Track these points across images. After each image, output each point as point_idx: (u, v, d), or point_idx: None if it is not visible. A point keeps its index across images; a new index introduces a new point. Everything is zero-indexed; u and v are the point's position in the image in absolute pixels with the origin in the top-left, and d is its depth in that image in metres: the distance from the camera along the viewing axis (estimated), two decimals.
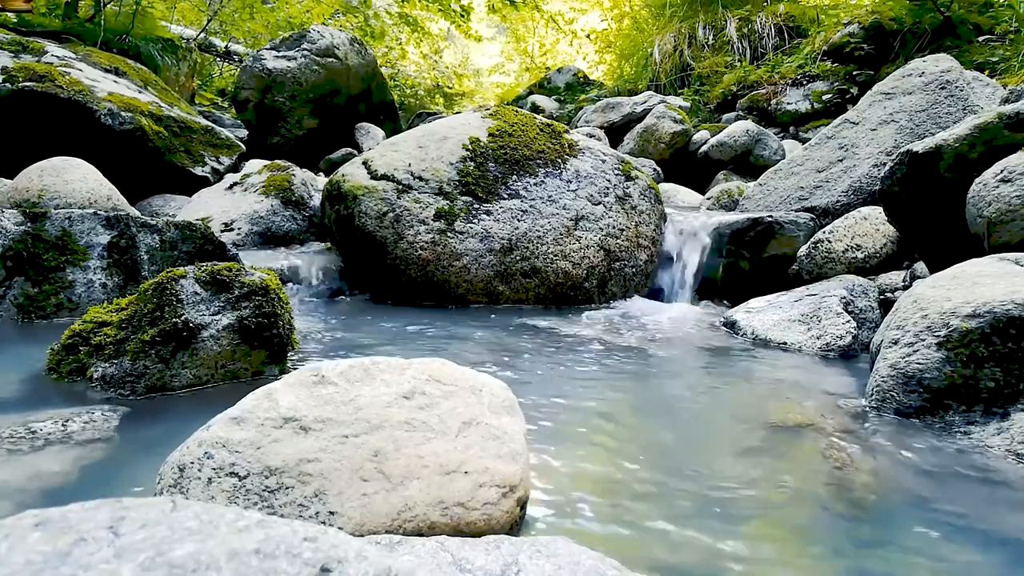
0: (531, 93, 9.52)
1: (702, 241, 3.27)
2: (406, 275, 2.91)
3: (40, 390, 1.53)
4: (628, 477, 1.21)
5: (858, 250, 2.79)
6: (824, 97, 6.35)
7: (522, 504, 0.99)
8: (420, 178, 3.01)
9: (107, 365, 1.54)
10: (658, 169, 5.48)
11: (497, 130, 3.23)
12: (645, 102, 6.57)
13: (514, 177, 3.12)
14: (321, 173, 5.21)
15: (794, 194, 3.51)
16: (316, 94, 5.71)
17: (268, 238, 3.43)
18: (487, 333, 2.43)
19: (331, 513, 0.86)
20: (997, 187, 1.94)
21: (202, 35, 8.32)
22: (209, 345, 1.59)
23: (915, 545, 1.00)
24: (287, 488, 0.86)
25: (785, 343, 2.33)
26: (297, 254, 3.18)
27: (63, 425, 1.30)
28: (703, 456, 1.33)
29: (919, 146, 2.29)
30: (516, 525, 0.97)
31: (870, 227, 2.82)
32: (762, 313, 2.57)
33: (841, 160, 3.42)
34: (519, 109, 3.52)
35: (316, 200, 3.66)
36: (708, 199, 4.54)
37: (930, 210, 2.32)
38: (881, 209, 2.64)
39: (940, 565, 0.95)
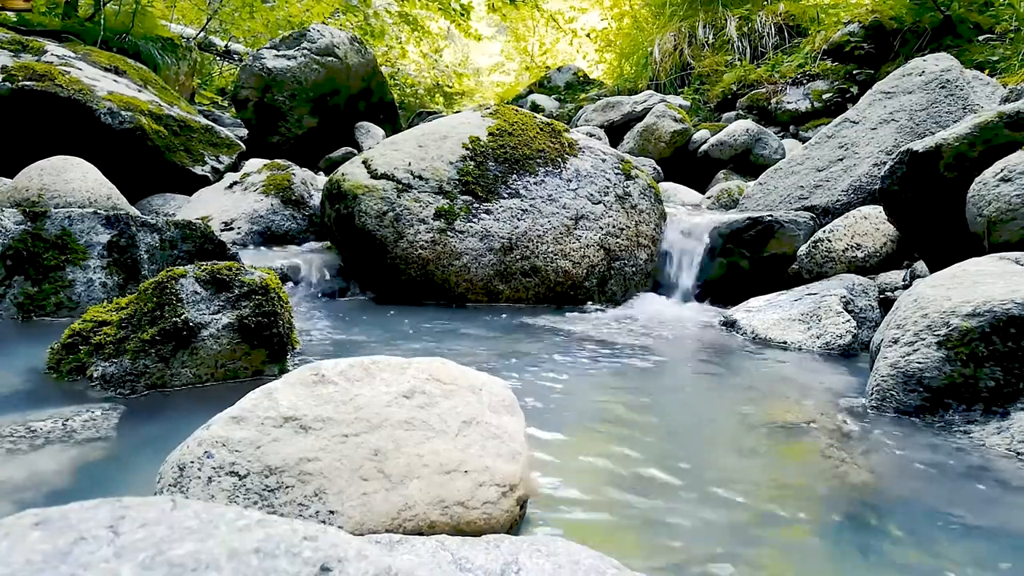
0: (531, 92, 9.51)
1: (702, 240, 3.27)
2: (406, 274, 2.91)
3: (40, 389, 1.53)
4: (628, 476, 1.21)
5: (858, 249, 2.79)
6: (824, 96, 6.35)
7: (522, 503, 0.99)
8: (420, 177, 3.01)
9: (107, 364, 1.54)
10: (658, 168, 5.47)
11: (497, 129, 3.23)
12: (645, 101, 6.56)
13: (514, 176, 3.12)
14: (321, 172, 5.19)
15: (794, 193, 3.51)
16: (316, 93, 5.70)
17: (268, 237, 3.42)
18: (487, 332, 2.43)
19: (331, 512, 0.86)
20: (997, 186, 1.94)
21: (202, 34, 8.31)
22: (209, 344, 1.59)
23: (915, 544, 1.00)
24: (287, 487, 0.86)
25: (785, 342, 2.34)
26: (297, 253, 3.18)
27: (63, 424, 1.30)
28: (703, 455, 1.33)
29: (919, 145, 2.29)
30: (516, 524, 0.97)
31: (870, 226, 2.82)
32: (762, 312, 2.57)
33: (841, 159, 3.42)
34: (519, 108, 3.52)
35: (316, 199, 3.66)
36: (708, 198, 4.54)
37: (930, 209, 2.32)
38: (881, 208, 2.64)
39: (940, 564, 0.95)
